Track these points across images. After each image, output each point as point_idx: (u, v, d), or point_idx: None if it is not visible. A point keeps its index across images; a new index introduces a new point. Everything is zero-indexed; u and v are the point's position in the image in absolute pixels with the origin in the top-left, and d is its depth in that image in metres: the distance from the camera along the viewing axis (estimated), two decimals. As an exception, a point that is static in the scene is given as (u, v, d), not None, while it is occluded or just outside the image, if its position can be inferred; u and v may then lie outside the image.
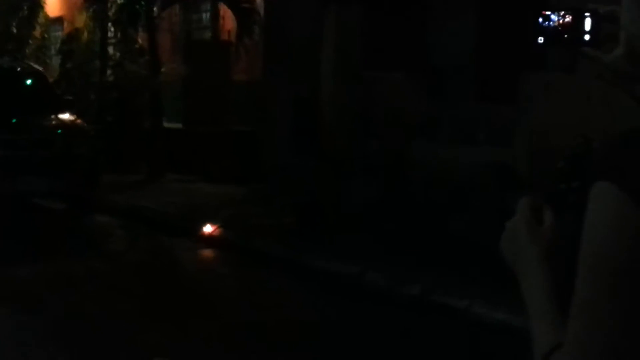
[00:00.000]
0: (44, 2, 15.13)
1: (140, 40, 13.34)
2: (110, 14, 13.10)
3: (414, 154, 8.74)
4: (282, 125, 11.24)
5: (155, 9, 12.33)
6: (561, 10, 1.34)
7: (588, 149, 1.42)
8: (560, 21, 1.35)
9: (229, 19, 13.17)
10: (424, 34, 9.91)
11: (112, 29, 13.41)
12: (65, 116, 9.45)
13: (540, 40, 1.40)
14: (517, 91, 8.02)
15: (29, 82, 9.98)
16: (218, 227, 7.98)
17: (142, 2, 12.02)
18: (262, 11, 12.37)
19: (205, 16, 14.21)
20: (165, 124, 12.41)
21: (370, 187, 8.94)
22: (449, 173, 8.38)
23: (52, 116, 9.33)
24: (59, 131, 9.02)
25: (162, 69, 12.48)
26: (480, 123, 8.93)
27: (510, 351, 4.96)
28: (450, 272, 6.32)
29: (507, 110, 8.24)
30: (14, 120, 8.75)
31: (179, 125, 13.12)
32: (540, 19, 1.37)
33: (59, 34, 15.80)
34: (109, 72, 13.23)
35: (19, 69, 10.45)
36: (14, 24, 14.82)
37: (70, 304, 5.79)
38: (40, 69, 10.85)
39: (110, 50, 13.50)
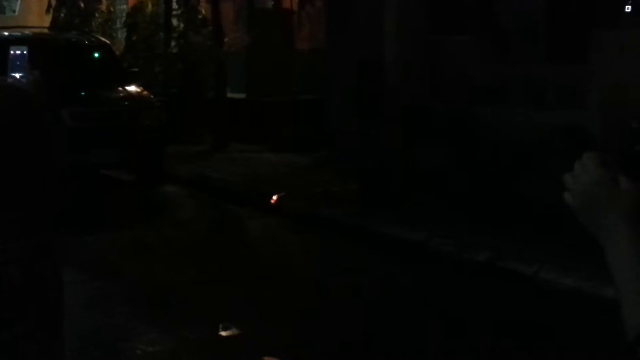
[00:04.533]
0: (109, -24, 15.31)
1: (203, 11, 13.40)
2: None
3: (482, 117, 8.57)
4: (346, 91, 11.16)
5: (217, -22, 12.35)
6: None
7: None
8: None
9: (291, -13, 13.10)
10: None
11: (176, 1, 13.49)
12: (132, 88, 9.55)
13: (628, 8, 1.29)
14: (589, 50, 7.75)
15: (96, 55, 10.11)
16: (283, 195, 8.00)
17: (205, -27, 12.05)
18: (323, -23, 12.24)
19: (268, -16, 14.15)
20: (229, 94, 12.47)
21: (437, 152, 8.82)
22: (518, 136, 8.20)
23: (119, 88, 9.45)
24: (126, 103, 9.13)
25: (226, 39, 12.51)
26: (550, 84, 8.68)
27: (580, 317, 4.85)
28: (518, 237, 6.20)
29: (578, 70, 7.99)
30: (82, 93, 8.89)
31: (242, 95, 13.18)
32: None
33: (124, 7, 15.99)
34: (173, 43, 13.34)
35: (86, 42, 10.60)
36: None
37: (144, 270, 5.91)
38: (107, 42, 10.98)
39: (174, 21, 13.60)
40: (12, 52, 2.48)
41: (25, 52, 2.49)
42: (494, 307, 5.17)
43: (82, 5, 14.73)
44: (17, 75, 2.46)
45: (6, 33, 9.96)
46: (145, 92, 9.62)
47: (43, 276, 2.48)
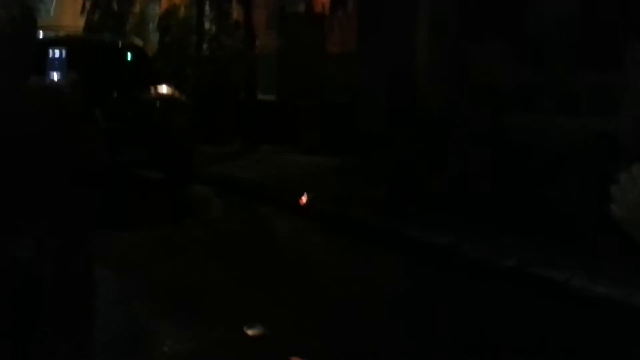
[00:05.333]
0: (143, -21, 15.45)
1: (235, 15, 13.47)
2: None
3: (513, 124, 8.51)
4: (377, 95, 11.16)
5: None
6: None
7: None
8: None
9: (322, -9, 13.11)
10: (524, 1, 9.59)
11: (208, 4, 13.58)
12: (164, 89, 9.65)
13: None
14: (623, 58, 7.68)
15: (129, 56, 10.22)
16: (312, 197, 8.01)
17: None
18: (356, -18, 12.24)
19: (299, -11, 14.17)
20: (260, 96, 12.52)
21: (468, 157, 8.77)
22: (549, 143, 8.13)
23: (151, 89, 9.54)
24: (158, 104, 9.22)
25: (257, 42, 12.56)
26: (583, 92, 8.60)
27: (611, 325, 4.79)
28: (549, 244, 6.14)
29: (611, 78, 7.91)
30: (115, 94, 8.99)
31: (273, 98, 13.22)
32: None
33: (156, 10, 16.13)
34: (205, 46, 13.43)
35: (120, 44, 10.72)
36: (114, 1, 15.19)
37: (170, 268, 5.94)
38: (140, 44, 11.09)
39: (206, 25, 13.69)
40: (51, 53, 2.53)
41: (63, 53, 2.53)
42: (522, 315, 5.12)
43: (115, 7, 14.88)
44: (56, 76, 2.51)
45: (44, 34, 10.12)
46: (176, 94, 9.71)
47: (77, 275, 2.50)
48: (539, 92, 9.18)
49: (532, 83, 9.14)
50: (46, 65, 2.51)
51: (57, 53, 2.53)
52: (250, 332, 4.68)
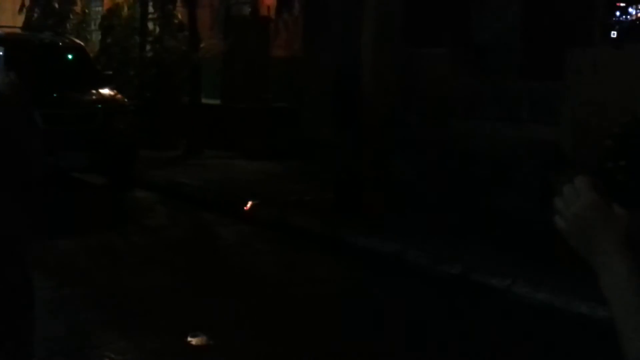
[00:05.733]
0: (84, -23, 15.18)
1: (180, 16, 13.33)
2: (149, -11, 13.10)
3: (456, 130, 8.61)
4: (321, 100, 11.16)
5: (194, -17, 12.30)
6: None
7: (637, 127, 1.32)
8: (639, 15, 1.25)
9: (268, -6, 13.08)
10: (467, 10, 9.72)
11: (152, 5, 13.41)
12: (105, 91, 9.46)
13: (614, 34, 1.29)
14: (564, 67, 7.83)
15: (70, 57, 10.00)
16: (256, 203, 7.95)
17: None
18: (301, -14, 12.25)
19: (245, -9, 14.11)
20: (204, 100, 12.41)
21: (411, 163, 8.83)
22: (491, 150, 8.25)
23: (93, 91, 9.35)
24: (99, 106, 9.04)
25: (202, 45, 12.45)
26: (524, 100, 8.76)
27: (551, 332, 4.87)
28: (491, 251, 6.22)
29: (552, 87, 8.07)
30: (55, 95, 8.78)
31: (217, 102, 13.11)
32: (617, 12, 1.27)
33: (99, 9, 15.86)
34: (148, 47, 13.25)
35: (60, 43, 10.47)
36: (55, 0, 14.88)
37: (112, 276, 5.83)
38: (82, 44, 10.86)
39: (150, 25, 13.51)
40: None
41: (0, 52, 2.44)
42: (466, 320, 5.17)
43: (56, 6, 14.58)
44: None
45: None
46: (118, 96, 9.53)
47: (14, 284, 2.42)
48: (481, 99, 9.31)
49: (476, 90, 9.27)
50: None
51: None
52: (193, 341, 4.61)
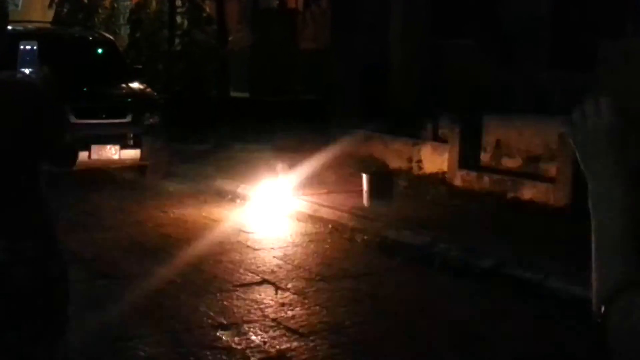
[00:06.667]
0: (113, -28, 15.28)
1: (207, 9, 13.37)
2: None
3: (485, 122, 8.55)
4: (349, 92, 11.15)
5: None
6: None
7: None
8: None
9: (295, -14, 13.09)
10: (496, 1, 9.64)
11: (180, -2, 13.46)
12: (135, 85, 9.52)
13: None
14: (595, 58, 7.75)
15: (100, 51, 10.06)
16: (287, 196, 7.98)
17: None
18: (329, -22, 12.23)
19: (272, -17, 14.12)
20: (232, 93, 12.45)
21: (441, 154, 8.79)
22: (521, 141, 8.18)
23: (123, 85, 9.41)
24: (129, 100, 9.11)
25: (230, 38, 12.49)
26: (554, 91, 8.67)
27: (586, 327, 4.82)
28: (524, 244, 6.18)
29: (582, 77, 7.99)
30: (86, 89, 8.85)
31: (245, 94, 13.15)
32: None
33: (127, 3, 15.96)
34: (177, 41, 13.31)
35: (90, 38, 10.54)
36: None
37: (145, 269, 5.86)
38: (111, 38, 10.93)
39: (178, 19, 13.57)
40: (21, 47, 2.44)
41: (35, 47, 2.45)
42: (497, 315, 5.15)
43: (85, 0, 14.69)
44: (27, 71, 2.42)
45: (13, 27, 9.91)
46: (148, 90, 9.58)
47: (52, 278, 2.45)
48: (511, 91, 9.23)
49: (505, 81, 9.19)
50: (17, 59, 2.43)
51: (28, 47, 2.45)
52: (224, 335, 4.64)
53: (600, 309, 0.97)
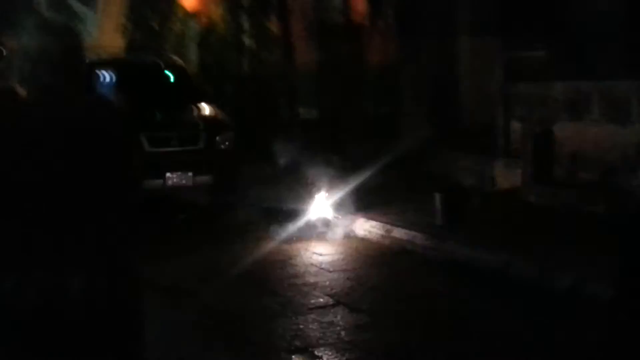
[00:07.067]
0: (180, -3, 15.54)
1: (274, 29, 13.45)
2: (243, 3, 13.28)
3: (560, 133, 8.36)
4: (419, 107, 11.07)
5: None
6: None
7: None
8: None
9: (360, 1, 13.08)
10: (569, 9, 9.43)
11: (246, 19, 13.58)
12: (207, 110, 9.58)
13: None
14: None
15: (172, 77, 10.15)
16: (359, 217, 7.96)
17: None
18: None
19: (337, -1, 14.13)
20: (301, 110, 12.44)
21: (514, 169, 8.64)
22: (598, 153, 7.96)
23: (195, 111, 9.49)
24: (202, 126, 9.12)
25: (296, 57, 12.54)
26: (632, 100, 8.41)
27: None
28: (603, 261, 5.99)
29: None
30: (158, 117, 8.92)
31: (314, 112, 13.16)
32: None
33: (196, 27, 16.20)
34: (245, 62, 13.43)
35: (162, 64, 10.66)
36: (154, 20, 15.29)
37: (219, 296, 5.90)
38: (182, 63, 11.07)
39: (246, 40, 13.69)
40: (99, 75, 2.52)
41: (112, 76, 2.52)
42: (575, 335, 5.00)
43: (156, 27, 14.98)
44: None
45: (88, 56, 10.14)
46: (220, 114, 9.64)
47: (128, 308, 2.47)
48: (586, 101, 9.00)
49: (579, 91, 8.97)
50: (95, 87, 2.50)
51: (105, 76, 2.52)
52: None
53: None
